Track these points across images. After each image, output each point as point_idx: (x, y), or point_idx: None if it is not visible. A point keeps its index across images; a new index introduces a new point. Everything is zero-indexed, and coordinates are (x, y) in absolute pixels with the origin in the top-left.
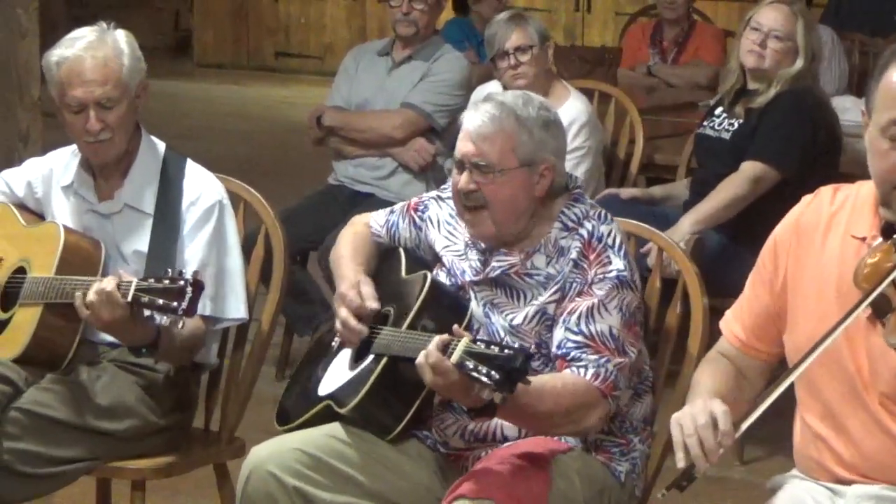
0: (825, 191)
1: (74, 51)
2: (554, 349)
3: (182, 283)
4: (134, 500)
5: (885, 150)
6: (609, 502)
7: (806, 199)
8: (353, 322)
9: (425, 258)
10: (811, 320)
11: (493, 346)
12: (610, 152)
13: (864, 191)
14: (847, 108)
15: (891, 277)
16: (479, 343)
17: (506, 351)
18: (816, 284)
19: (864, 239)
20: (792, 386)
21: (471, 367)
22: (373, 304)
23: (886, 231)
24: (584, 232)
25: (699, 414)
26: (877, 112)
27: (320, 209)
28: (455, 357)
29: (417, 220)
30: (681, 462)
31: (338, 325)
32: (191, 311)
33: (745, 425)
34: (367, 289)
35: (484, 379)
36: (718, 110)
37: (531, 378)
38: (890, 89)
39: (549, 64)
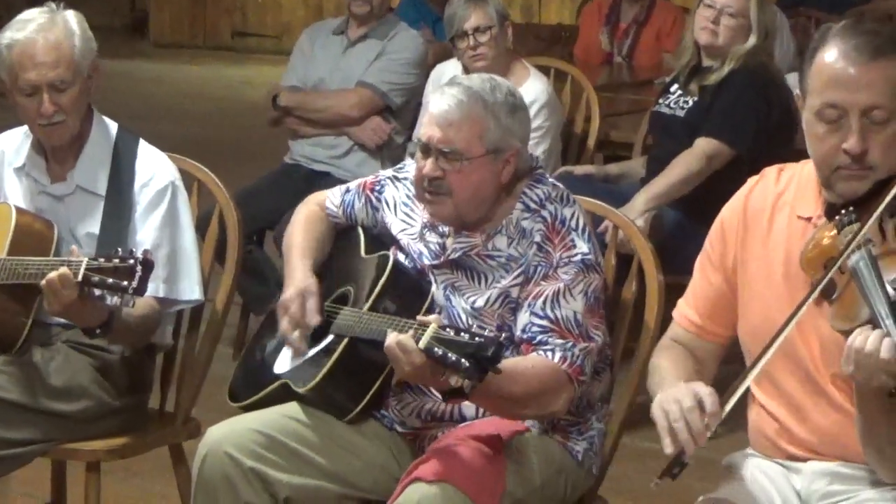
0: (770, 171)
1: (26, 33)
2: (518, 333)
3: (132, 261)
4: (89, 482)
5: (822, 134)
6: (566, 482)
7: (751, 180)
8: (293, 338)
9: (383, 239)
10: (762, 302)
11: (462, 333)
12: (566, 130)
13: (808, 170)
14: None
15: (839, 262)
16: (448, 329)
17: (476, 339)
18: (765, 266)
19: (809, 219)
20: (742, 365)
21: (440, 353)
22: (314, 319)
23: (830, 212)
24: (546, 215)
25: (684, 397)
26: (811, 96)
27: (276, 188)
28: (423, 342)
29: (374, 200)
30: (668, 448)
31: (280, 327)
32: (141, 289)
33: (728, 406)
34: (312, 302)
35: (453, 366)
36: (673, 88)
37: (504, 362)
38: (822, 72)
39: (509, 44)
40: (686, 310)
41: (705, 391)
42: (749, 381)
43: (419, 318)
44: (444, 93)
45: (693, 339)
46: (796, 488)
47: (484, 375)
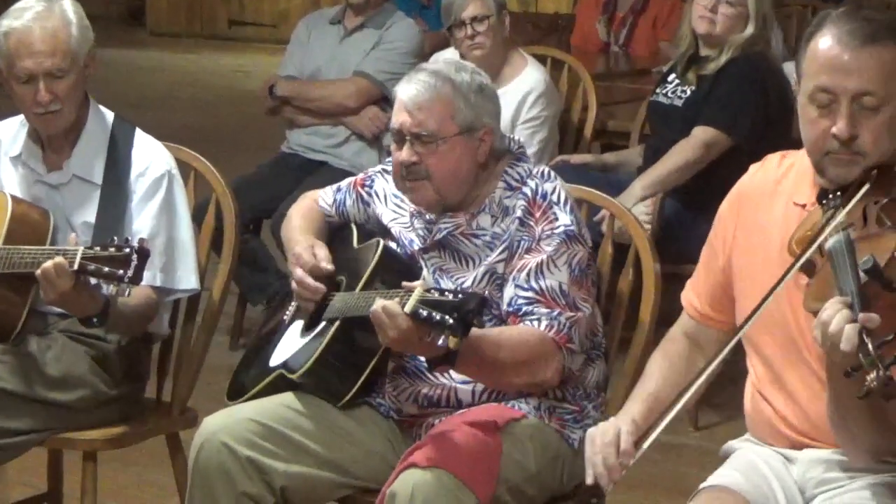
0: (772, 157)
1: (23, 21)
2: (505, 307)
3: (127, 250)
4: (86, 472)
5: (814, 118)
6: (562, 469)
7: (754, 166)
8: (308, 280)
9: (375, 232)
10: (758, 288)
11: (447, 293)
12: (563, 119)
13: (808, 158)
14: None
15: (817, 242)
16: (432, 292)
17: (460, 296)
18: (761, 252)
19: (804, 206)
20: (742, 354)
21: (425, 314)
22: (327, 265)
23: (820, 197)
24: (527, 190)
25: (606, 432)
26: (805, 80)
27: (273, 177)
28: (409, 306)
29: (365, 195)
30: (589, 478)
31: (294, 285)
32: (136, 278)
33: (645, 444)
34: (322, 251)
35: (438, 324)
36: (671, 77)
37: (487, 328)
38: (815, 56)
39: (506, 33)
40: (691, 296)
41: (625, 429)
42: (672, 415)
43: (405, 284)
44: (412, 79)
45: (696, 327)
46: (793, 476)
47: (468, 329)
